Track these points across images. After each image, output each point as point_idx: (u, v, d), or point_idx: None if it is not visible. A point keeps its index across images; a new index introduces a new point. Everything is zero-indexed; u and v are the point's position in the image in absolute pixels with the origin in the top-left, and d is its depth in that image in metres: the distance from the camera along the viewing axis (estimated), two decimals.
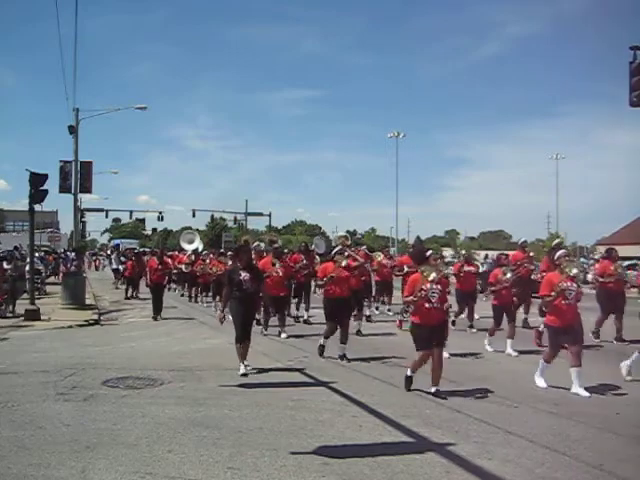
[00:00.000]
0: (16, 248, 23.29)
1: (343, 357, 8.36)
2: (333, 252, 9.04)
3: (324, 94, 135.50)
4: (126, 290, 20.13)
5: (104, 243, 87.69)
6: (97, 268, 44.60)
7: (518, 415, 5.68)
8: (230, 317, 7.58)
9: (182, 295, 20.29)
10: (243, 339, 7.31)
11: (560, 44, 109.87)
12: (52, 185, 17.95)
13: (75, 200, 20.00)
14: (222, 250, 19.91)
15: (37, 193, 13.83)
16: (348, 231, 68.94)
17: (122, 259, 25.67)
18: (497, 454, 4.58)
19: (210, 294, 16.36)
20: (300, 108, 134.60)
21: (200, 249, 18.88)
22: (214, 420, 5.42)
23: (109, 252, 47.51)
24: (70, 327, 12.36)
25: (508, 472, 4.22)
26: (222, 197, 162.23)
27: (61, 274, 22.97)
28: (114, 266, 26.91)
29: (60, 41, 46.05)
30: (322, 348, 8.63)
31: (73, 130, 19.22)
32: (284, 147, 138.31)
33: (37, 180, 13.72)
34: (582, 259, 31.58)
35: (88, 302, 17.16)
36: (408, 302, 6.55)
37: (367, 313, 12.76)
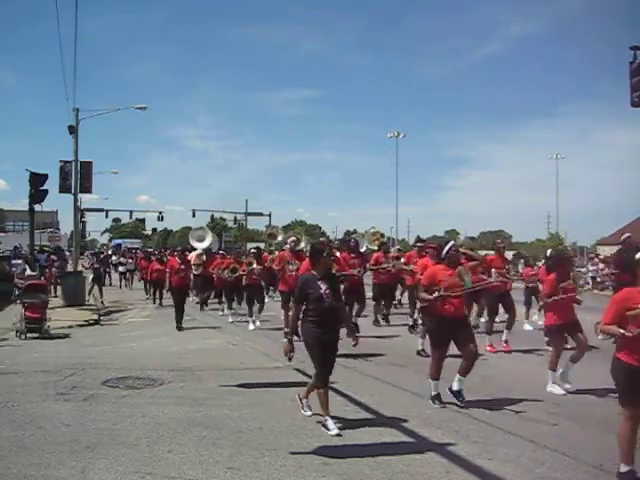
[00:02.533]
0: (16, 248, 23.27)
1: (459, 395, 6.01)
2: (446, 249, 6.26)
3: (324, 94, 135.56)
4: (154, 297, 17.35)
5: (104, 243, 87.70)
6: None
7: (518, 415, 5.67)
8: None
9: (197, 302, 16.43)
10: (327, 381, 5.26)
11: (560, 44, 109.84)
12: (52, 185, 17.97)
13: (75, 200, 20.01)
14: (239, 251, 17.45)
15: (37, 193, 13.89)
16: (348, 231, 68.83)
17: (122, 260, 25.44)
18: (497, 454, 4.58)
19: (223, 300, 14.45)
20: (300, 108, 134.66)
21: (215, 248, 16.69)
22: (214, 420, 5.41)
23: (109, 252, 47.42)
24: (70, 327, 12.37)
25: (508, 472, 4.22)
26: (222, 197, 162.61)
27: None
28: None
29: (60, 41, 46.26)
30: (438, 396, 6.03)
31: (73, 130, 19.24)
32: (284, 147, 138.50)
33: (37, 180, 13.78)
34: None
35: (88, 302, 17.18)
36: (611, 333, 4.12)
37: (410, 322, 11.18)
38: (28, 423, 5.26)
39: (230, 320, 13.22)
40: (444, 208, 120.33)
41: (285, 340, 5.16)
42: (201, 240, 15.65)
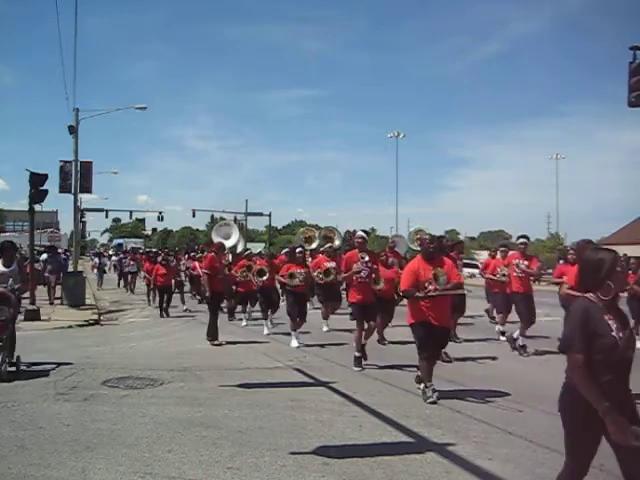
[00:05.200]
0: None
1: None
2: None
3: (325, 94, 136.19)
4: (160, 306, 14.82)
5: (104, 243, 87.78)
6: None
7: (518, 415, 5.67)
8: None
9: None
10: None
11: (560, 44, 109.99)
12: (52, 185, 18.03)
13: (75, 200, 20.06)
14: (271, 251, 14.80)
15: (37, 193, 13.85)
16: (348, 231, 68.67)
17: (125, 261, 25.10)
18: (497, 454, 4.57)
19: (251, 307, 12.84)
20: (300, 108, 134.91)
21: (241, 247, 14.68)
22: (214, 420, 5.41)
23: (110, 252, 47.49)
24: (70, 327, 12.37)
25: (508, 472, 4.22)
26: (222, 197, 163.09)
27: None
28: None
29: (60, 41, 46.42)
30: None
31: (73, 130, 19.27)
32: (284, 147, 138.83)
33: (37, 180, 13.74)
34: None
35: (88, 302, 17.17)
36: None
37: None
38: (28, 423, 5.25)
39: (265, 332, 11.30)
40: (444, 208, 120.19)
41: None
42: (227, 238, 13.45)
